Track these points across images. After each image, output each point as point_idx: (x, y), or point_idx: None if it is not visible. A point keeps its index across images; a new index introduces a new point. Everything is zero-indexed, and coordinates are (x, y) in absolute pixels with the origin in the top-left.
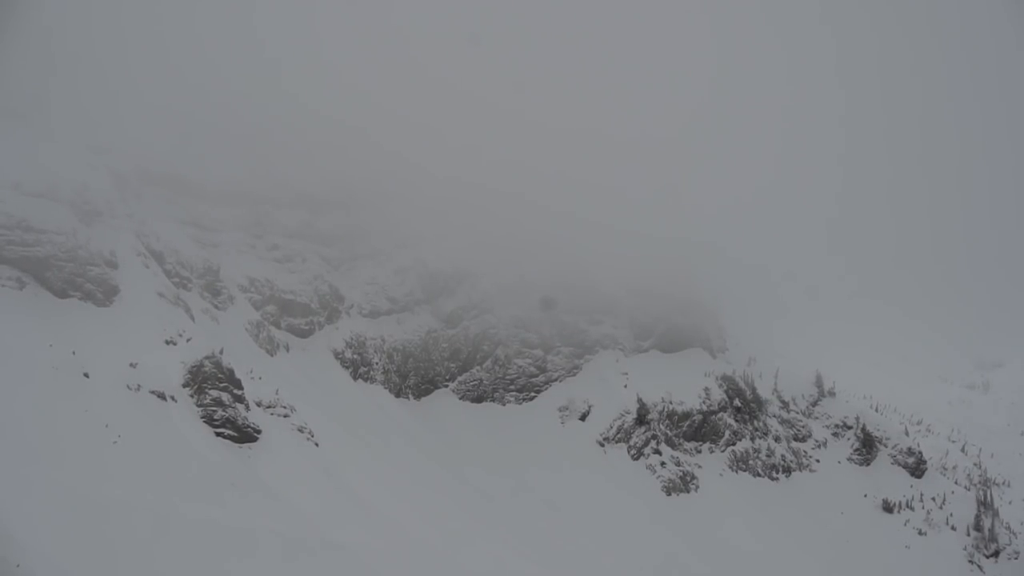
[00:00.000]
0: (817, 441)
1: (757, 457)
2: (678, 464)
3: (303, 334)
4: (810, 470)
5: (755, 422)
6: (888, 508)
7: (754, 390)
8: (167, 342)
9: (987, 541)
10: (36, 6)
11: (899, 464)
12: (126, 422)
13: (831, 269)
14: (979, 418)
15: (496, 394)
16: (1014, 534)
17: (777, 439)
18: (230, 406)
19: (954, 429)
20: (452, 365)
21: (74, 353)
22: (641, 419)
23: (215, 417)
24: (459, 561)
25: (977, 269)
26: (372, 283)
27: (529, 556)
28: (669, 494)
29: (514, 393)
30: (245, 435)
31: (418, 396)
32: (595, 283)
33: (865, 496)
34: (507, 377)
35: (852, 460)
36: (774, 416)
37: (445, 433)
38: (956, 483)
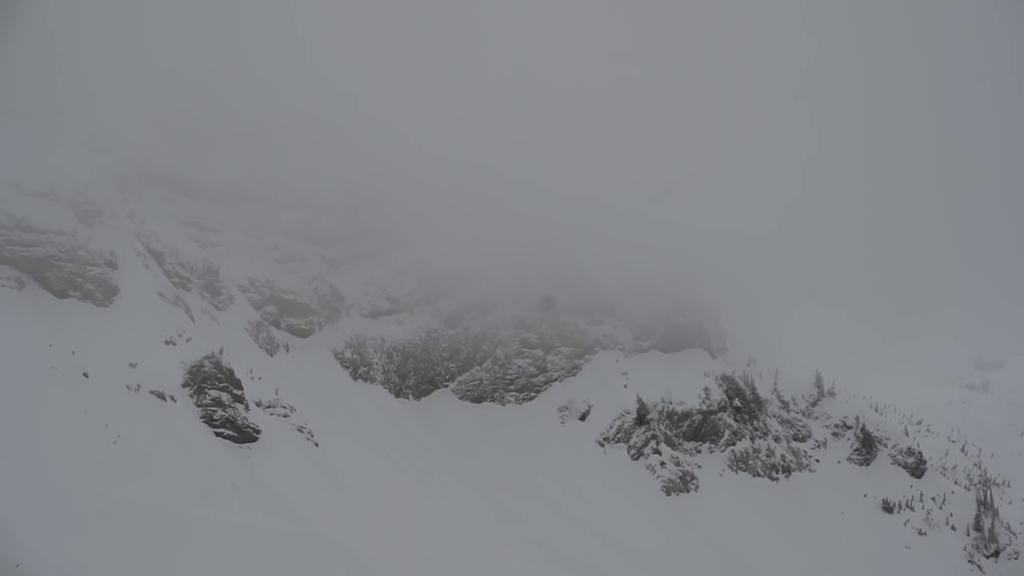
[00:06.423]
0: (817, 441)
1: (757, 457)
2: (678, 464)
3: (303, 334)
4: (810, 470)
5: (755, 422)
6: (888, 508)
7: (754, 390)
8: (167, 342)
9: (987, 541)
10: (38, 6)
11: (899, 464)
12: (126, 422)
13: (831, 269)
14: (979, 418)
15: (496, 394)
16: (1014, 534)
17: (777, 439)
18: (230, 406)
19: (954, 429)
20: (452, 365)
21: (74, 353)
22: (641, 419)
23: (215, 417)
24: (458, 560)
25: (977, 269)
26: (372, 283)
27: (528, 555)
28: (669, 494)
29: (514, 393)
30: (245, 435)
31: (418, 396)
32: (595, 283)
33: (865, 496)
34: (507, 377)
35: (852, 460)
36: (774, 416)
37: (445, 433)
38: (956, 483)
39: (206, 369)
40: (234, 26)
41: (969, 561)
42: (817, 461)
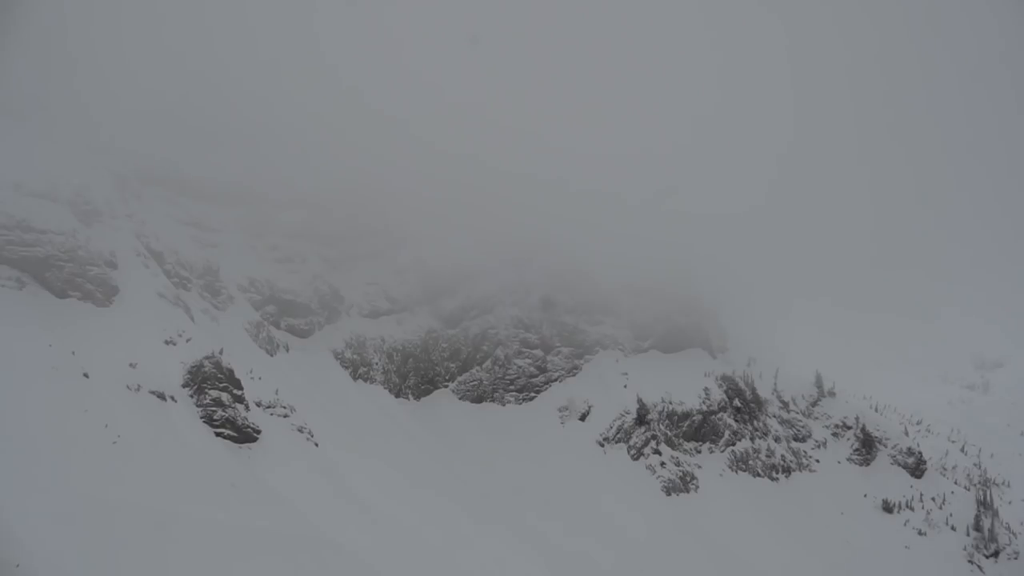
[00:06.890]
0: (817, 441)
1: (757, 457)
2: (678, 464)
3: (303, 334)
4: (810, 470)
5: (755, 422)
6: (888, 508)
7: (754, 390)
8: (167, 342)
9: (987, 541)
10: (37, 6)
11: (899, 464)
12: (126, 422)
13: (831, 269)
14: (979, 418)
15: (496, 394)
16: (1014, 534)
17: (777, 439)
18: (230, 406)
19: (954, 429)
20: (452, 365)
21: (74, 353)
22: (641, 419)
23: (215, 417)
24: (458, 561)
25: (978, 268)
26: (372, 283)
27: (529, 556)
28: (669, 494)
29: (514, 393)
30: (245, 435)
31: (418, 396)
32: (595, 283)
33: (865, 496)
34: (507, 377)
35: (852, 460)
36: (774, 416)
37: (445, 433)
38: (956, 483)
39: (206, 369)
40: (236, 26)
41: (969, 561)
42: (817, 461)
